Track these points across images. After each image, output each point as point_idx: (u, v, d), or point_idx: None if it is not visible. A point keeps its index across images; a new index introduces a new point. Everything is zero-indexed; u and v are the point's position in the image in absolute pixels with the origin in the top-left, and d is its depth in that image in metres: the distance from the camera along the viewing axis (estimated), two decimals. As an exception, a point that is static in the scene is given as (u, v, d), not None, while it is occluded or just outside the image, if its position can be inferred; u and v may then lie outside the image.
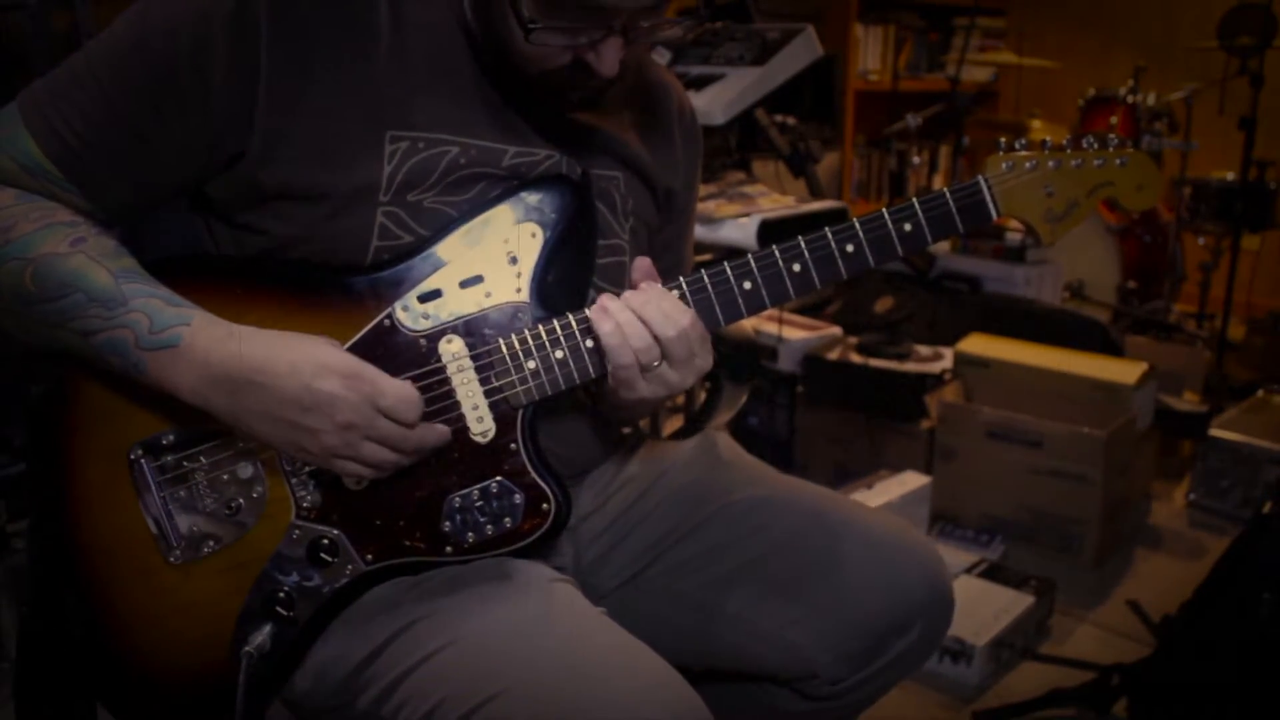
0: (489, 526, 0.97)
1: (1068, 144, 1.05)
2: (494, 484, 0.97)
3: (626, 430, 1.28)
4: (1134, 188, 1.06)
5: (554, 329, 0.97)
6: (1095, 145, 1.05)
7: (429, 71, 1.00)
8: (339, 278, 0.97)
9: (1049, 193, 1.05)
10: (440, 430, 0.93)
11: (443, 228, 0.98)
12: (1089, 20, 4.85)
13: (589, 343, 0.97)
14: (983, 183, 1.03)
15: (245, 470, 0.95)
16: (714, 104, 2.18)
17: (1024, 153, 1.04)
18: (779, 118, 2.54)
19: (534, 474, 0.97)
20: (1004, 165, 1.04)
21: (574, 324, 0.97)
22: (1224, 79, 3.41)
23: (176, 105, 0.93)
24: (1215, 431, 2.69)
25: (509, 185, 1.01)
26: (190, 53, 0.91)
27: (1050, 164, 1.04)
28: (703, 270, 1.00)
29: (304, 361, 0.87)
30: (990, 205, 1.04)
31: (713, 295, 1.00)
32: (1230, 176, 3.63)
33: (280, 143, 0.94)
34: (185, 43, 0.91)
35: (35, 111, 0.94)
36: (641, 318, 0.95)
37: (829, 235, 1.01)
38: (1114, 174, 1.05)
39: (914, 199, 1.02)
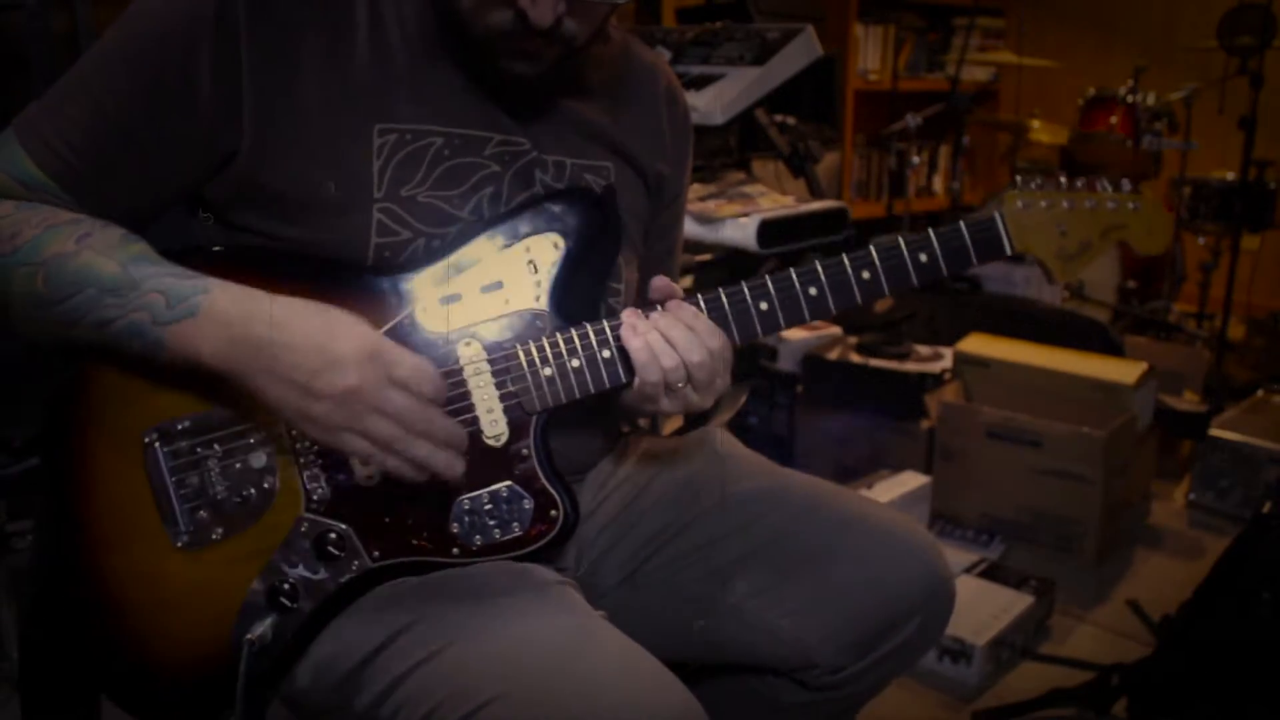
0: (497, 530, 0.97)
1: (1082, 185, 1.08)
2: (504, 488, 0.97)
3: (626, 429, 1.29)
4: (1144, 231, 1.09)
5: (571, 338, 0.98)
6: (1108, 187, 1.08)
7: (409, 62, 1.01)
8: (362, 276, 0.97)
9: (1062, 231, 1.08)
10: (452, 425, 0.91)
11: (443, 220, 0.99)
12: (1089, 20, 4.85)
13: (605, 354, 0.98)
14: (998, 219, 1.06)
15: (258, 460, 0.96)
16: (714, 104, 2.18)
17: (1039, 191, 1.07)
18: (779, 117, 2.54)
19: (544, 480, 0.98)
20: (1020, 203, 1.07)
21: (592, 335, 0.98)
22: (1224, 79, 3.41)
23: (167, 110, 0.94)
24: (1215, 431, 2.69)
25: (534, 195, 1.03)
26: (178, 57, 0.92)
27: (1065, 204, 1.07)
28: (720, 289, 1.01)
29: (324, 325, 0.87)
30: (1005, 240, 1.06)
31: (730, 315, 1.01)
32: (1230, 176, 3.63)
33: (270, 141, 0.95)
34: (172, 48, 0.92)
35: (30, 129, 0.95)
36: (669, 339, 0.96)
37: (845, 261, 1.03)
38: (1126, 217, 1.08)
39: (930, 230, 1.05)
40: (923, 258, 1.04)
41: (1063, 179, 1.08)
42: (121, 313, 0.89)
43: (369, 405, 0.87)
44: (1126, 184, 1.08)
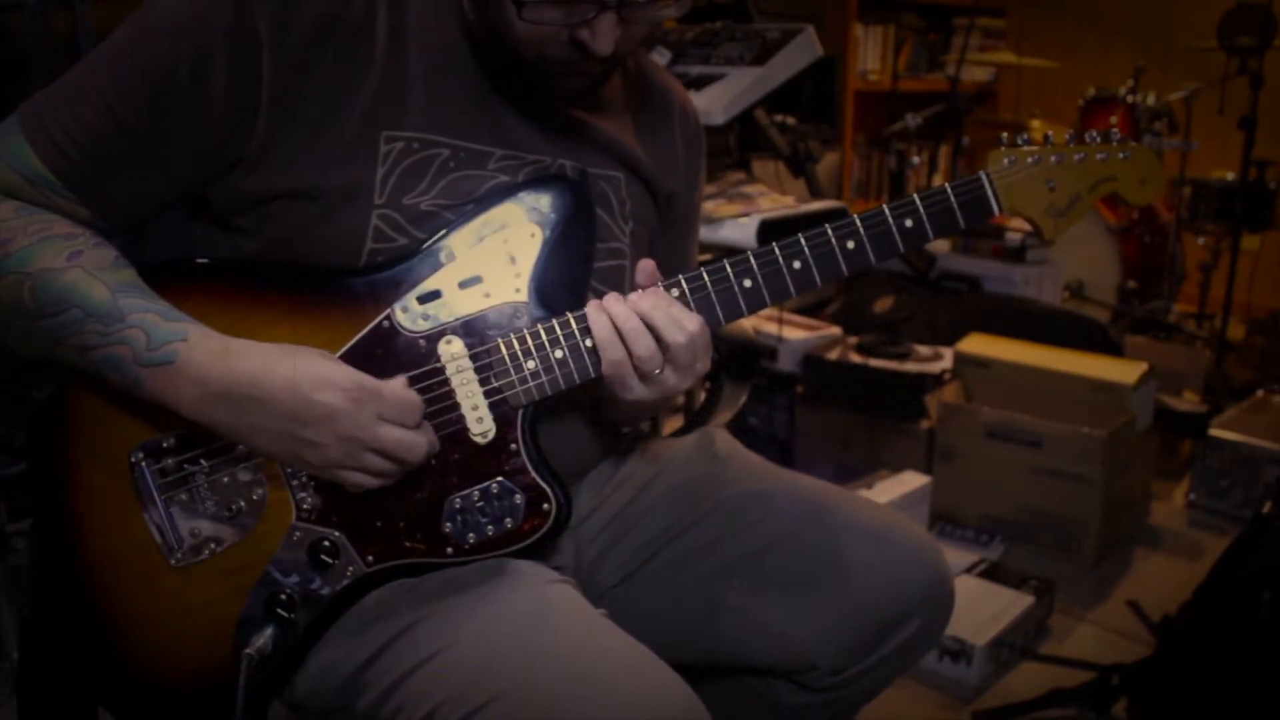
0: (489, 527, 0.97)
1: (1070, 139, 1.05)
2: (494, 485, 0.97)
3: (625, 430, 1.28)
4: (1137, 181, 1.05)
5: (553, 328, 0.97)
6: (1097, 139, 1.05)
7: (425, 74, 1.00)
8: (338, 279, 0.97)
9: (1051, 187, 1.04)
10: (434, 437, 0.93)
11: (441, 228, 0.98)
12: (1089, 20, 4.84)
13: (588, 342, 0.97)
14: (984, 178, 1.03)
15: (246, 473, 0.95)
16: (714, 104, 2.18)
17: (1026, 148, 1.04)
18: (779, 118, 2.54)
19: (534, 474, 0.97)
20: (1006, 160, 1.03)
21: (573, 323, 0.97)
22: (1224, 79, 3.41)
23: (175, 112, 0.93)
24: (1215, 431, 2.69)
25: (508, 185, 1.01)
26: (189, 60, 0.92)
27: (1053, 159, 1.04)
28: (702, 268, 1.00)
29: (303, 376, 0.87)
30: (992, 200, 1.03)
31: (713, 293, 1.00)
32: (1230, 176, 3.63)
33: (279, 147, 0.95)
34: (184, 50, 0.92)
35: (35, 122, 0.94)
36: (649, 322, 0.95)
37: (829, 232, 1.00)
38: (1117, 168, 1.05)
39: (915, 194, 1.02)
40: (908, 223, 1.01)
41: (1049, 133, 1.05)
42: (104, 341, 0.89)
43: (364, 446, 0.88)
44: (1116, 133, 1.05)
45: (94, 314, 0.89)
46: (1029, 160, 1.03)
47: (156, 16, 0.94)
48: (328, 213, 0.96)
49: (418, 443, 0.90)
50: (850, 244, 1.01)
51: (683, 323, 0.96)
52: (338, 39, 0.97)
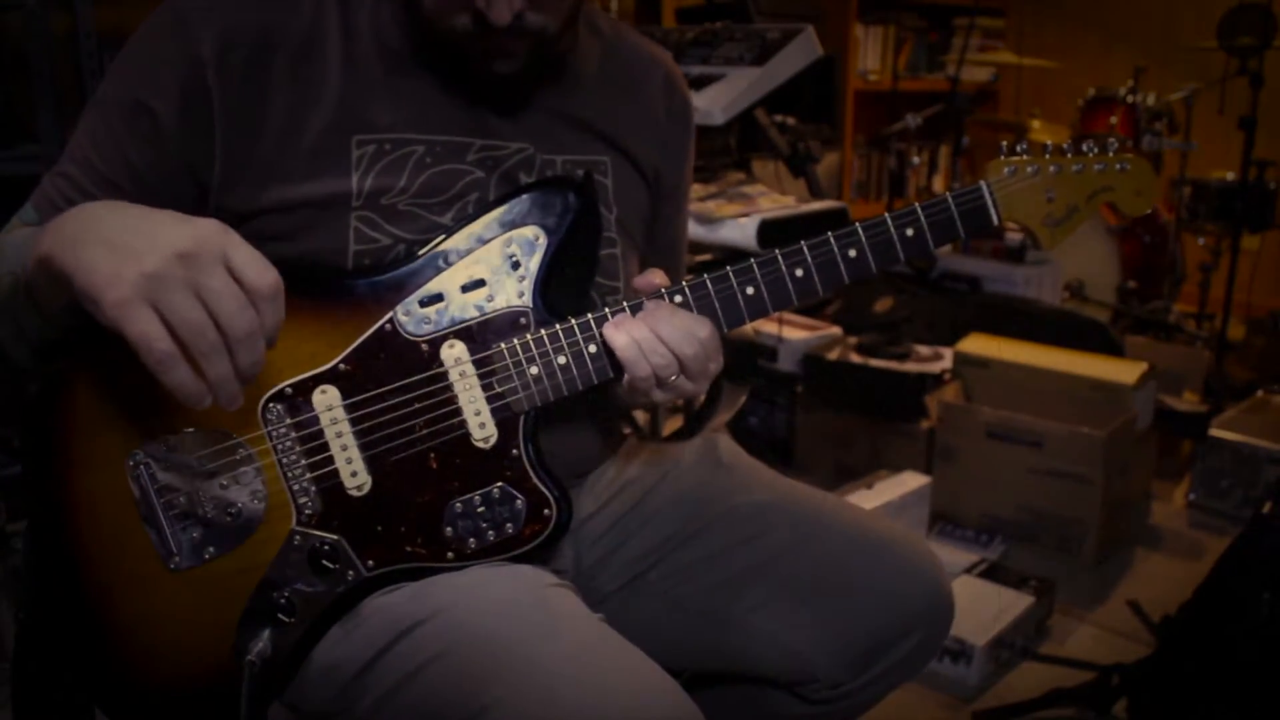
0: (490, 532, 0.97)
1: (1068, 149, 1.05)
2: (495, 489, 0.97)
3: (626, 431, 1.28)
4: (1132, 192, 1.06)
5: (556, 334, 0.97)
6: (1095, 150, 1.05)
7: (387, 72, 1.01)
8: (340, 281, 0.97)
9: (1050, 198, 1.04)
10: (260, 354, 0.79)
11: (445, 231, 0.98)
12: (1089, 20, 4.84)
13: (592, 348, 0.97)
14: (984, 187, 1.03)
15: (246, 476, 0.95)
16: (714, 104, 2.18)
17: (1026, 157, 1.04)
18: (779, 118, 2.54)
19: (535, 479, 0.97)
20: (1006, 170, 1.04)
21: (576, 329, 0.97)
22: (1224, 79, 3.41)
23: (138, 152, 0.96)
24: (1215, 431, 2.69)
25: (512, 188, 1.01)
26: (142, 99, 0.95)
27: (1051, 169, 1.04)
28: (705, 275, 1.00)
29: (183, 217, 0.81)
30: (992, 210, 1.03)
31: (715, 300, 1.00)
32: (1230, 176, 3.62)
33: (249, 167, 0.96)
34: (136, 91, 0.95)
35: (41, 190, 0.99)
36: (659, 336, 0.95)
37: (831, 240, 1.01)
38: (1113, 179, 1.05)
39: (916, 204, 1.02)
40: (909, 232, 1.01)
41: (1048, 143, 1.05)
42: (15, 265, 0.89)
43: (190, 276, 0.76)
44: (1113, 143, 1.05)
45: (13, 253, 0.90)
46: (1028, 170, 1.04)
47: (116, 62, 0.98)
48: (310, 223, 0.97)
49: (239, 309, 0.77)
50: (852, 252, 1.01)
51: (694, 331, 0.96)
52: (288, 49, 0.97)
